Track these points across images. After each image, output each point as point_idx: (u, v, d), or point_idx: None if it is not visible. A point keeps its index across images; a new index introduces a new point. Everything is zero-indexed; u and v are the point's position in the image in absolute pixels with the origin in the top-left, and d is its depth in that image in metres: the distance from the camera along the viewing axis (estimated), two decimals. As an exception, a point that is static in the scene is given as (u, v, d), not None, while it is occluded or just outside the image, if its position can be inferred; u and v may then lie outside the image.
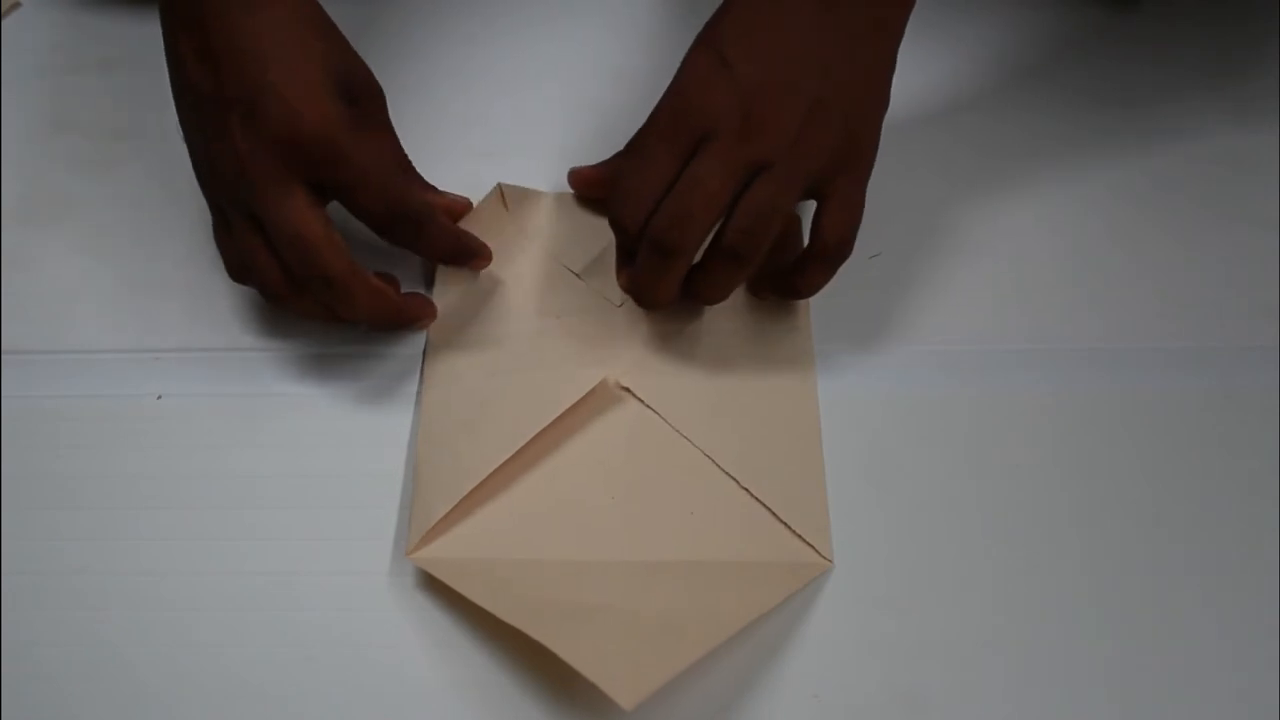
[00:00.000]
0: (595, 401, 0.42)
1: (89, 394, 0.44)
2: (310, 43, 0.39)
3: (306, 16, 0.39)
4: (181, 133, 0.42)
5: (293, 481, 0.42)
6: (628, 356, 0.43)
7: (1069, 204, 0.48)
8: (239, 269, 0.42)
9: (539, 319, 0.45)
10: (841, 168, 0.39)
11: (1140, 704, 0.38)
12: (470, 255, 0.44)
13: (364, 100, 0.41)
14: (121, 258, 0.47)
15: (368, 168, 0.39)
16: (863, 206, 0.40)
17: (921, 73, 0.52)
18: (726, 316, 0.45)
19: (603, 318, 0.45)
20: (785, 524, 0.40)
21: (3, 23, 0.54)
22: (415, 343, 0.45)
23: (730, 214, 0.39)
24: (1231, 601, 0.39)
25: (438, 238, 0.42)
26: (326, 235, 0.38)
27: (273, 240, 0.39)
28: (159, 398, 0.44)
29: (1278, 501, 0.41)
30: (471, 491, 0.40)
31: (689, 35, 0.45)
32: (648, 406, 0.42)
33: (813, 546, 0.40)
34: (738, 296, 0.45)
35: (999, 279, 0.46)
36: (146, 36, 0.53)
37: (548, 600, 0.38)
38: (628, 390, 0.43)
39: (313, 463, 0.42)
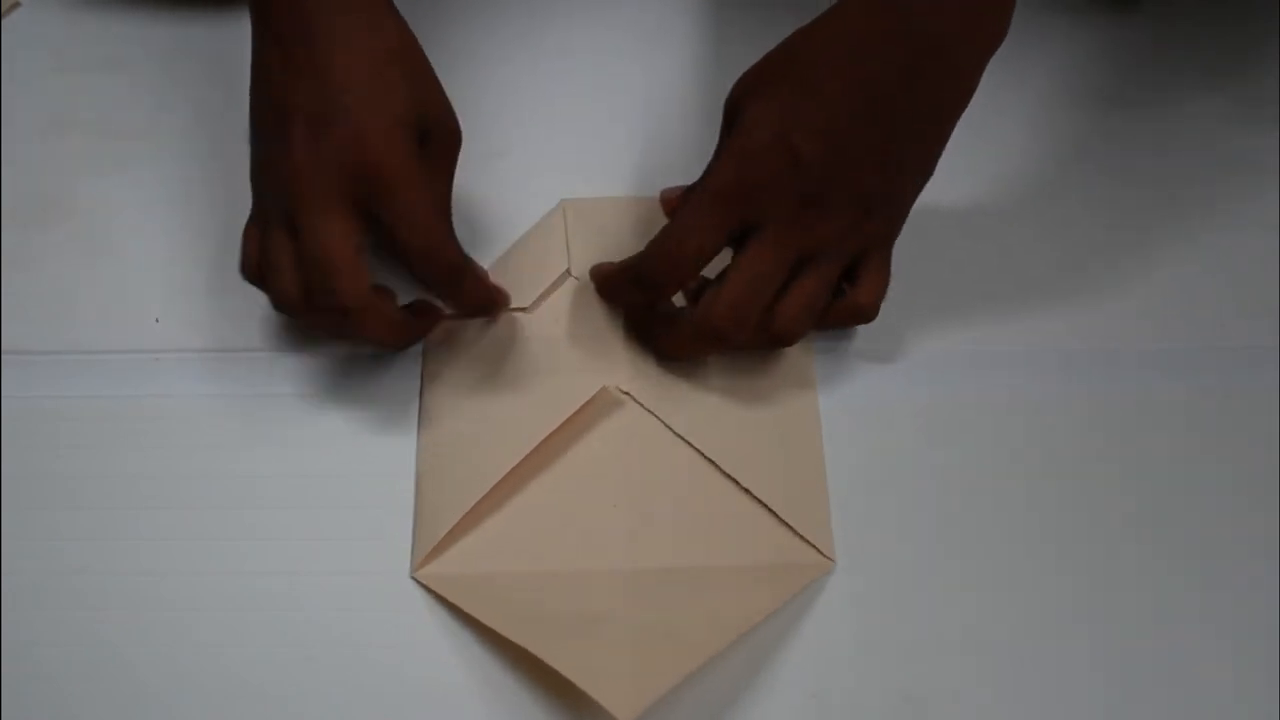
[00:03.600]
0: (596, 409, 0.42)
1: (89, 394, 0.44)
2: (396, 79, 0.39)
3: (400, 55, 0.40)
4: (249, 136, 0.42)
5: (293, 482, 0.42)
6: (628, 361, 0.43)
7: (1068, 204, 0.48)
8: (256, 272, 0.41)
9: (539, 324, 0.44)
10: (878, 245, 0.40)
11: (1140, 703, 0.38)
12: (493, 309, 0.44)
13: (435, 145, 0.41)
14: (121, 258, 0.47)
15: (418, 206, 0.38)
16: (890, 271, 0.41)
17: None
18: None
19: (604, 322, 0.44)
20: (787, 524, 0.40)
21: (3, 23, 0.54)
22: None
23: (778, 301, 0.39)
24: (1231, 601, 0.39)
25: (471, 291, 0.41)
26: (353, 262, 0.38)
27: (301, 255, 0.38)
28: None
29: (1278, 501, 0.41)
30: (475, 505, 0.40)
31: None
32: (649, 411, 0.42)
33: (815, 546, 0.40)
34: None
35: (998, 280, 0.46)
36: (146, 37, 0.53)
37: (551, 612, 0.38)
38: (629, 395, 0.43)
39: (313, 463, 0.42)
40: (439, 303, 0.42)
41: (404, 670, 0.38)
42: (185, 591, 0.40)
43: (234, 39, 0.53)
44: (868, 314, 0.41)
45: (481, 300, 0.42)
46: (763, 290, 0.39)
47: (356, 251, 0.38)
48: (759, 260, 0.38)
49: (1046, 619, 0.39)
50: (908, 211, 0.41)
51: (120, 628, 0.39)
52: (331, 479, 0.42)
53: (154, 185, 0.49)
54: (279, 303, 0.40)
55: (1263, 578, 0.40)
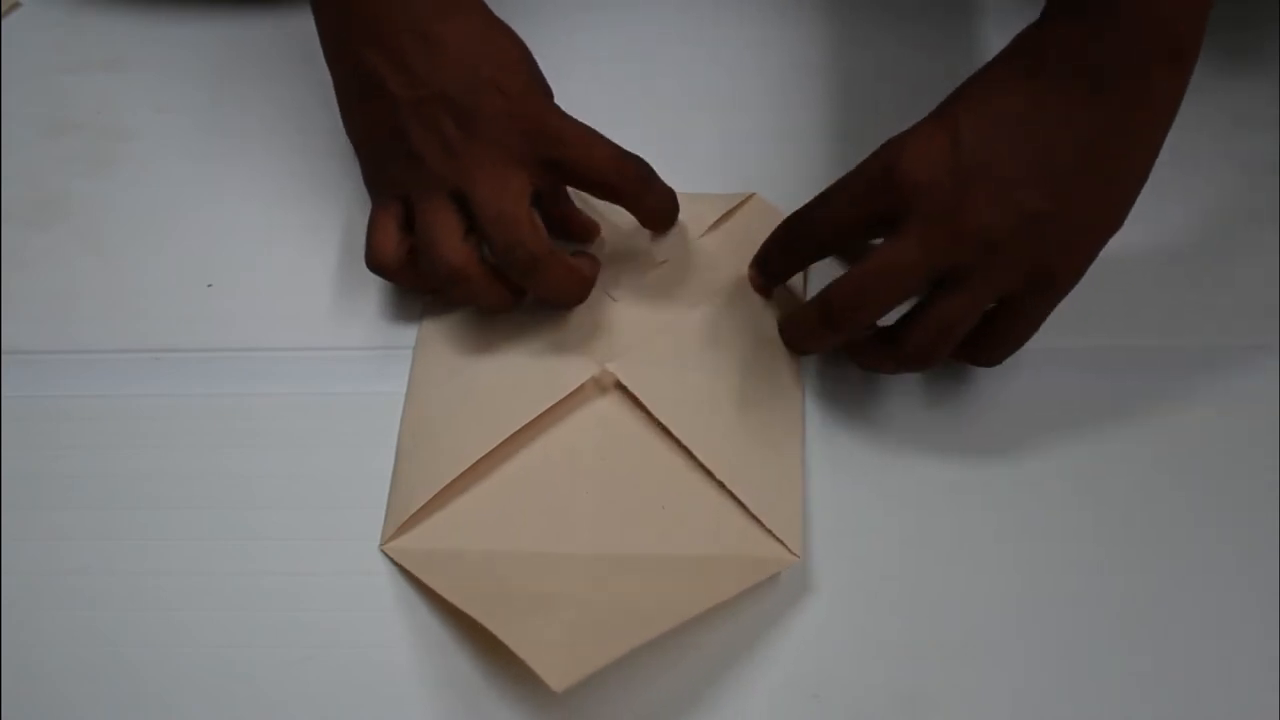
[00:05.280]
0: (576, 395, 0.42)
1: (89, 394, 0.44)
2: (506, 44, 0.41)
3: (494, 22, 0.42)
4: (350, 138, 0.44)
5: (292, 481, 0.42)
6: (615, 348, 0.43)
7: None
8: (394, 259, 0.42)
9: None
10: (1038, 289, 0.37)
11: (1139, 702, 0.38)
12: (674, 211, 0.45)
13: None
14: (121, 258, 0.47)
15: (586, 134, 0.41)
16: (1039, 327, 0.39)
17: (921, 78, 0.52)
18: (720, 314, 0.44)
19: (597, 309, 0.44)
20: (755, 518, 0.40)
21: (3, 23, 0.54)
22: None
23: (912, 321, 0.38)
24: (1231, 602, 0.39)
25: (662, 194, 0.43)
26: (531, 216, 0.40)
27: (480, 222, 0.40)
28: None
29: (1278, 502, 0.41)
30: (449, 483, 0.40)
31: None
32: (631, 400, 0.42)
33: (781, 541, 0.40)
34: (731, 298, 0.45)
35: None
36: (146, 37, 0.54)
37: (507, 590, 0.38)
38: (614, 382, 0.43)
39: (312, 462, 0.42)
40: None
41: (404, 671, 0.38)
42: (185, 591, 0.40)
43: (234, 39, 0.53)
44: (987, 362, 0.40)
45: (669, 207, 0.44)
46: (890, 289, 0.37)
47: (533, 210, 0.41)
48: (894, 254, 0.37)
49: (1046, 618, 0.39)
50: (1084, 257, 0.37)
51: (120, 628, 0.39)
52: (331, 478, 0.42)
53: (153, 185, 0.49)
54: (447, 275, 0.41)
55: (1263, 578, 0.40)
